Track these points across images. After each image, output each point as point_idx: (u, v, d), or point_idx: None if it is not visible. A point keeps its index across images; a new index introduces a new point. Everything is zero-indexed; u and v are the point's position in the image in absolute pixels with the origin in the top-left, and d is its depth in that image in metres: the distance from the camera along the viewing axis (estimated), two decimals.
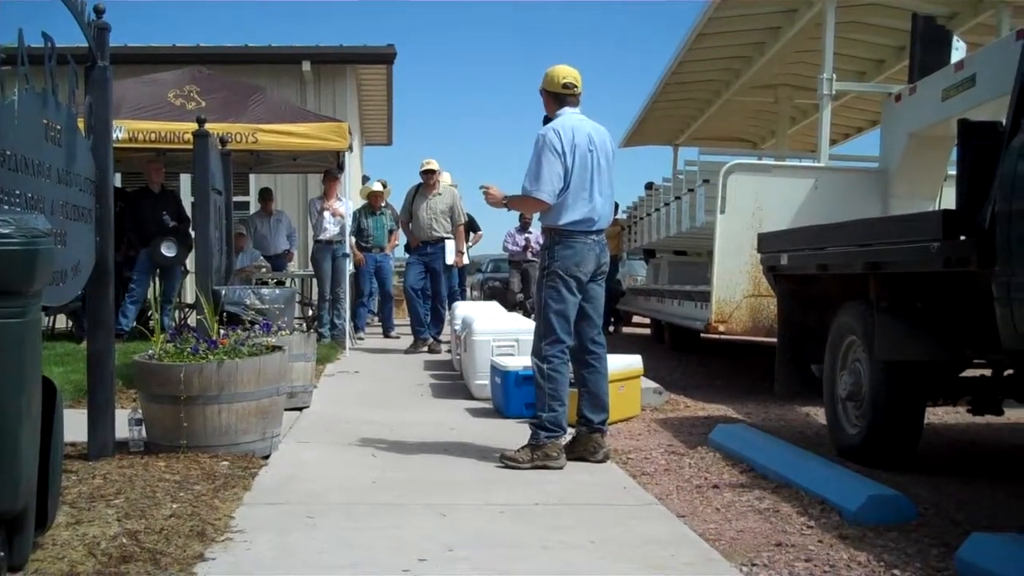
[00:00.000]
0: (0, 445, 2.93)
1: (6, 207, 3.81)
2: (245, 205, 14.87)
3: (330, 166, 12.25)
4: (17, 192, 3.99)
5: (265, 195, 13.51)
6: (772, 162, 11.24)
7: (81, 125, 5.05)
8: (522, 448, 5.36)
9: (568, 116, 5.56)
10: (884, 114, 9.23)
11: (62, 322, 12.12)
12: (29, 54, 4.03)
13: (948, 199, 7.61)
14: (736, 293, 8.70)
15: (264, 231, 13.18)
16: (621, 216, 16.05)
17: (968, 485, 5.23)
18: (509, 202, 5.71)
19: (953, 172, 5.78)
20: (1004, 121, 4.68)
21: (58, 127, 4.54)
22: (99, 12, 5.18)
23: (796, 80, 12.95)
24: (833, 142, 13.31)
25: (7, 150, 3.88)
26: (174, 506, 4.19)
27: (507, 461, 5.30)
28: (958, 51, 8.09)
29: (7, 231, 2.88)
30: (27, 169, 4.12)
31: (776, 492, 4.94)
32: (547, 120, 5.59)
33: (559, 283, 5.43)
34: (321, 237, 11.96)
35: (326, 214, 11.99)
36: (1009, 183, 4.30)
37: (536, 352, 5.50)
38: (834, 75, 9.35)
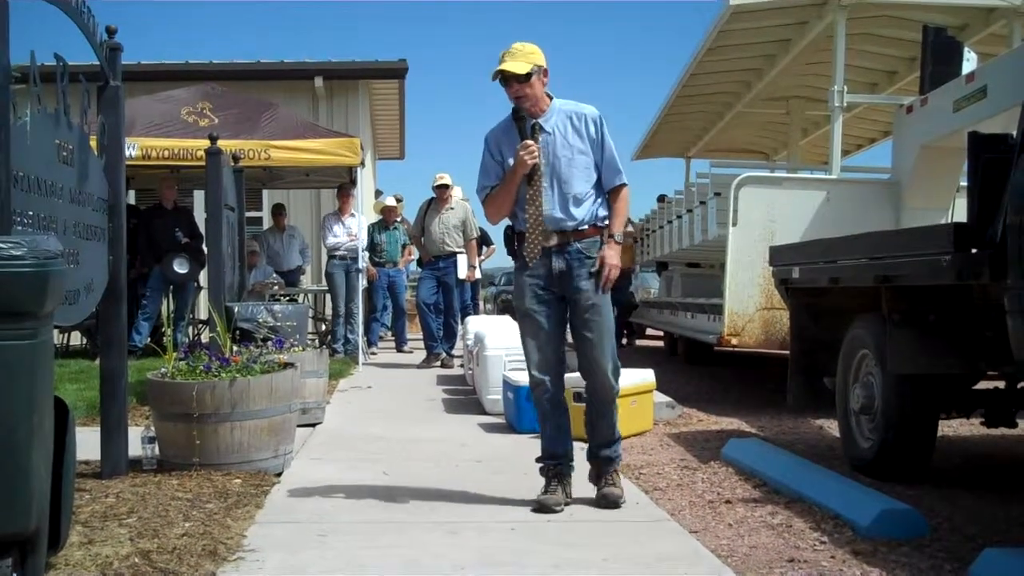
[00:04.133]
0: (12, 466, 2.94)
1: (19, 228, 3.85)
2: (258, 220, 14.92)
3: (343, 181, 12.31)
4: (30, 213, 4.02)
5: (278, 210, 13.55)
6: (784, 175, 11.25)
7: (94, 144, 5.08)
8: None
9: (569, 101, 4.88)
10: (896, 125, 9.22)
11: (77, 339, 12.18)
12: (42, 72, 4.05)
13: (961, 210, 7.59)
14: (749, 306, 8.68)
15: (277, 247, 13.22)
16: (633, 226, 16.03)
17: (982, 499, 5.20)
18: (620, 227, 4.84)
19: (965, 183, 5.77)
20: (1015, 133, 4.67)
21: (70, 147, 4.57)
22: (111, 32, 5.21)
23: (808, 92, 12.93)
24: (845, 153, 13.29)
25: (20, 171, 3.90)
26: (187, 525, 4.20)
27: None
28: (969, 62, 8.08)
29: (19, 253, 2.89)
30: (40, 190, 4.15)
31: (789, 507, 4.92)
32: (514, 109, 4.74)
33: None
34: (331, 246, 12.02)
35: (336, 226, 12.05)
36: (1020, 195, 4.28)
37: (616, 373, 4.79)
38: (845, 87, 9.35)
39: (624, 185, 4.83)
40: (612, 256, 4.70)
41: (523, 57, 4.64)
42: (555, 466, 4.79)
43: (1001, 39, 9.55)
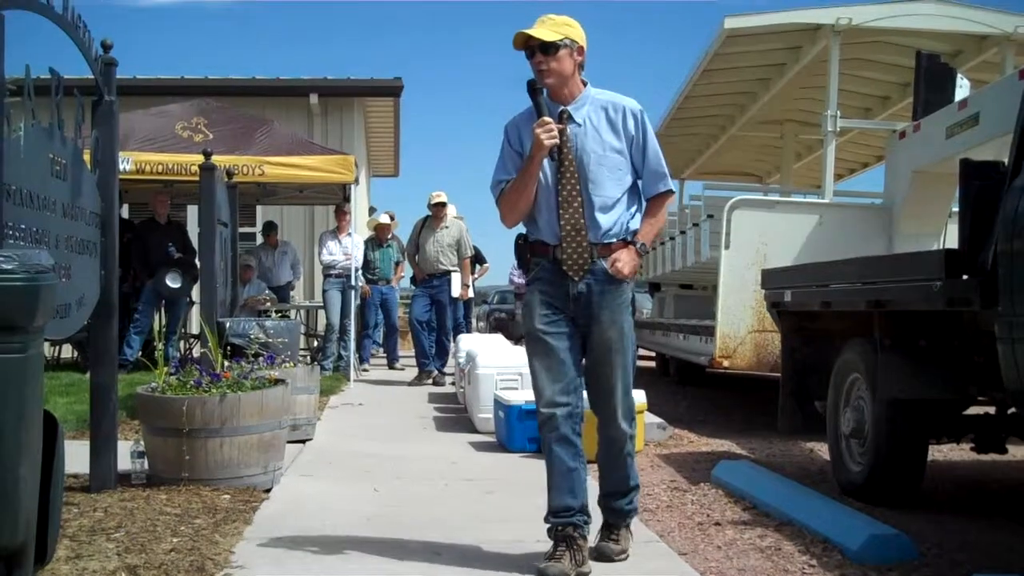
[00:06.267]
0: (1, 481, 2.93)
1: (11, 241, 3.84)
2: (251, 236, 14.92)
3: (337, 199, 12.33)
4: (22, 226, 4.03)
5: (269, 228, 13.55)
6: (776, 198, 11.28)
7: (87, 158, 5.08)
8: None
9: (608, 92, 4.19)
10: (889, 151, 9.26)
11: (68, 351, 12.16)
12: (36, 85, 4.06)
13: (953, 236, 7.62)
14: (740, 328, 8.70)
15: (269, 263, 13.22)
16: None
17: (971, 524, 5.20)
18: (650, 238, 4.19)
19: (957, 209, 5.79)
20: (1006, 160, 4.69)
21: (64, 162, 4.57)
22: (106, 48, 5.22)
23: (801, 116, 13.00)
24: (839, 177, 13.35)
25: (13, 185, 3.91)
26: (174, 540, 4.18)
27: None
28: (962, 89, 8.12)
29: (10, 267, 2.89)
30: (32, 203, 4.15)
31: (779, 530, 4.92)
32: (529, 82, 4.03)
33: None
34: (326, 264, 12.05)
35: (332, 244, 12.08)
36: (1011, 223, 4.31)
37: (631, 417, 4.17)
38: (838, 112, 9.39)
39: (669, 193, 4.14)
40: (625, 261, 3.99)
41: (554, 26, 3.95)
42: (564, 526, 3.95)
43: (994, 66, 9.61)
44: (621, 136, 4.04)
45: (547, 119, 3.89)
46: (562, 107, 4.02)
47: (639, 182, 4.13)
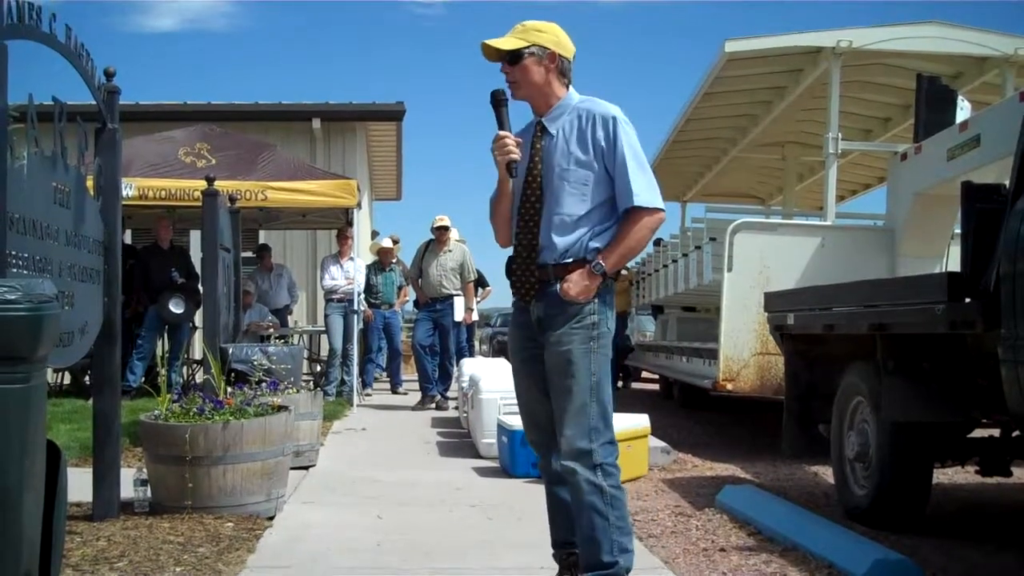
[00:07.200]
0: (3, 511, 2.92)
1: (14, 270, 3.85)
2: (255, 261, 14.97)
3: (339, 223, 12.36)
4: (25, 255, 4.03)
5: (263, 251, 13.58)
6: (779, 220, 11.29)
7: (90, 184, 5.10)
8: None
9: (593, 99, 3.84)
10: (890, 173, 9.26)
11: (71, 378, 12.14)
12: (39, 111, 4.08)
13: (955, 258, 7.62)
14: (744, 351, 8.68)
15: (264, 286, 13.23)
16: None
17: (977, 549, 5.17)
18: (611, 259, 3.65)
19: (959, 231, 5.79)
20: (1008, 183, 4.69)
21: (67, 189, 4.59)
22: (109, 76, 5.25)
23: (803, 138, 13.01)
24: (841, 198, 13.36)
25: (16, 213, 3.92)
26: (178, 569, 4.18)
27: None
28: (963, 111, 8.12)
29: (13, 297, 2.89)
30: (35, 232, 4.16)
31: (783, 555, 4.90)
32: (492, 93, 3.81)
33: (610, 350, 3.74)
34: (328, 288, 12.06)
35: (333, 268, 12.09)
36: (1013, 245, 4.30)
37: (584, 457, 3.58)
38: (840, 134, 9.40)
39: (638, 209, 3.62)
40: (574, 282, 3.61)
41: (521, 33, 3.70)
42: (566, 556, 3.87)
43: (995, 88, 9.62)
44: (588, 147, 3.68)
45: (502, 133, 3.70)
46: (539, 119, 3.79)
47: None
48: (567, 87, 3.78)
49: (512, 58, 3.67)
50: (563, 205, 3.66)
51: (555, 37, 3.71)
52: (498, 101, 3.75)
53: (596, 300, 3.63)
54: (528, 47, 3.66)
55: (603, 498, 3.55)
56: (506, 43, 3.67)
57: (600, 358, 3.63)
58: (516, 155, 3.67)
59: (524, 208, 3.73)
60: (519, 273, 3.74)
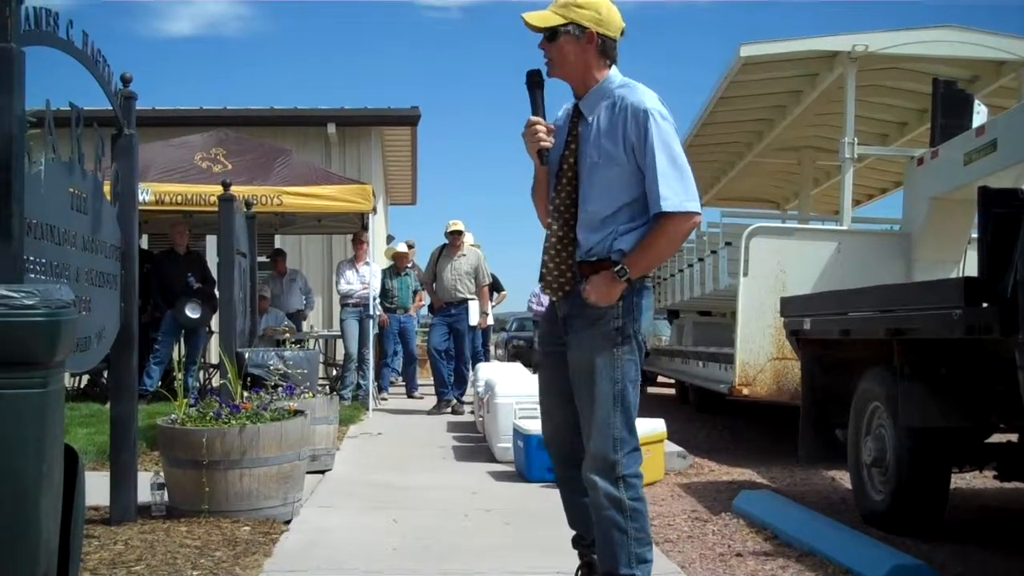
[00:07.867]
0: (21, 514, 2.94)
1: (31, 275, 3.87)
2: (270, 266, 15.02)
3: (355, 228, 12.38)
4: (43, 260, 4.05)
5: (277, 255, 13.61)
6: (795, 225, 11.26)
7: (107, 189, 5.12)
8: None
9: (632, 84, 3.54)
10: (906, 178, 9.23)
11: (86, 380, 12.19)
12: (56, 117, 4.10)
13: (972, 263, 7.59)
14: (760, 356, 8.66)
15: (277, 290, 13.25)
16: None
17: (995, 554, 5.15)
18: (637, 263, 3.44)
19: (976, 235, 5.77)
20: None
21: (84, 195, 4.61)
22: (126, 81, 5.27)
23: (819, 142, 12.98)
24: (857, 203, 13.31)
25: (33, 219, 3.93)
26: (195, 573, 4.19)
27: None
28: (980, 115, 8.11)
29: (31, 302, 2.91)
30: (53, 237, 4.18)
31: (800, 560, 4.88)
32: (530, 73, 3.60)
33: (637, 355, 3.51)
34: (344, 293, 12.08)
35: (349, 273, 12.10)
36: None
37: (607, 470, 3.43)
38: (856, 138, 9.37)
39: (668, 215, 3.37)
40: (595, 285, 3.43)
41: (561, 8, 3.44)
42: (584, 550, 3.78)
43: (1011, 92, 9.59)
44: (619, 141, 3.41)
45: (534, 119, 3.51)
46: (576, 101, 3.57)
47: None
48: (609, 67, 3.52)
49: (550, 34, 3.45)
50: (591, 200, 3.48)
51: (595, 14, 3.43)
52: (533, 83, 3.55)
53: (620, 303, 3.43)
54: (565, 24, 3.42)
55: (623, 512, 3.42)
56: (542, 19, 3.44)
57: (625, 364, 3.45)
58: (548, 143, 3.51)
59: (556, 198, 3.55)
60: (549, 265, 3.56)
